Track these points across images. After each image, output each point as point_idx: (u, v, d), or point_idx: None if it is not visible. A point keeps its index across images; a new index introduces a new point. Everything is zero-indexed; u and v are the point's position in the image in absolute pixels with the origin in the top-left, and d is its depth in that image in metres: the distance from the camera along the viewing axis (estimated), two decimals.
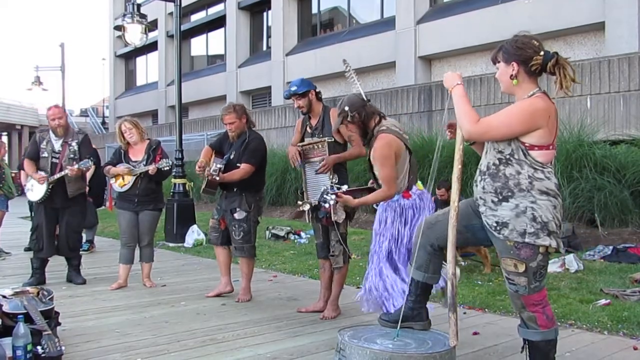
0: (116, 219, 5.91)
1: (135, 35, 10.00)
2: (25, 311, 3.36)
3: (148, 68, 27.62)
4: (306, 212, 4.44)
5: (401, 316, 3.03)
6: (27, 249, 8.00)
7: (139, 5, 10.25)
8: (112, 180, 5.66)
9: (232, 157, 4.93)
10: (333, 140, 4.34)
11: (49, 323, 3.43)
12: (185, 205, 9.35)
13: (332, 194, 3.51)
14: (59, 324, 3.77)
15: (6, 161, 9.56)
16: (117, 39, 25.95)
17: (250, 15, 21.17)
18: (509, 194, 2.63)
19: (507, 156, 2.64)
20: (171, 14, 18.74)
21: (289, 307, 4.80)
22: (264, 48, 20.90)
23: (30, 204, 7.73)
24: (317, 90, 4.52)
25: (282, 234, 8.98)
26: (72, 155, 5.66)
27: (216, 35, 23.36)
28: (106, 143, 21.18)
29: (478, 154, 2.94)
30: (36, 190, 5.67)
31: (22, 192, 8.99)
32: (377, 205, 3.78)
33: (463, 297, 4.91)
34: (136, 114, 20.63)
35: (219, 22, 22.42)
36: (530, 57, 2.61)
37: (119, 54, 28.56)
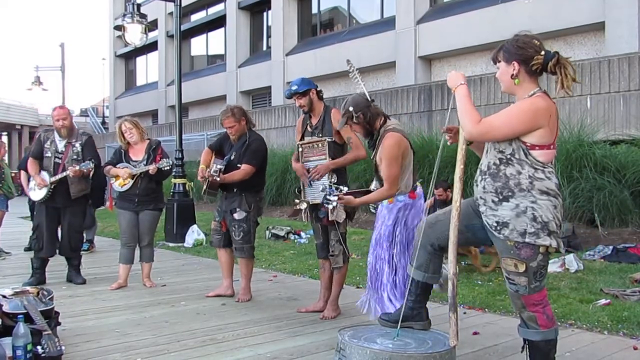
0: (116, 218, 5.91)
1: (135, 35, 10.00)
2: (25, 311, 3.36)
3: (148, 68, 27.63)
4: (303, 210, 4.44)
5: (401, 316, 3.03)
6: (27, 249, 8.01)
7: (139, 5, 10.25)
8: (112, 180, 5.67)
9: (232, 158, 4.93)
10: (333, 140, 4.34)
11: (49, 323, 3.43)
12: (185, 205, 9.35)
13: (334, 195, 3.51)
14: (59, 323, 3.77)
15: (6, 161, 9.56)
16: (117, 39, 25.96)
17: (250, 15, 21.17)
18: (510, 193, 2.63)
19: (508, 156, 2.64)
20: (171, 13, 18.76)
21: (289, 307, 4.80)
22: (264, 48, 20.90)
23: (30, 204, 7.77)
24: (318, 89, 4.52)
25: (282, 234, 8.98)
26: (75, 156, 5.67)
27: (216, 35, 23.36)
28: (106, 143, 21.18)
29: (477, 154, 2.94)
30: (38, 190, 5.69)
31: (22, 192, 9.03)
32: (374, 209, 3.78)
33: (463, 297, 4.91)
34: (136, 114, 20.65)
35: (219, 22, 22.42)
36: (531, 56, 2.61)
37: (119, 53, 28.57)
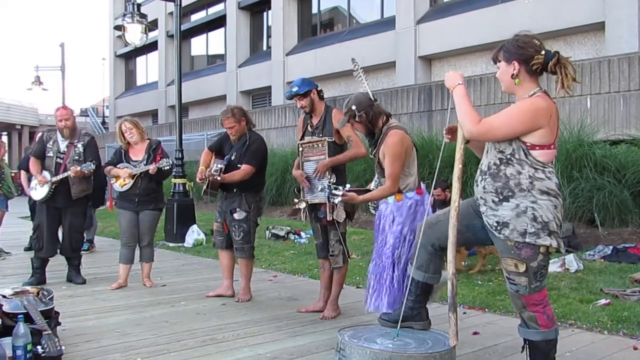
0: (116, 218, 5.91)
1: (135, 35, 10.00)
2: (25, 311, 3.36)
3: (148, 68, 27.62)
4: (302, 210, 4.44)
5: (401, 316, 3.03)
6: (27, 249, 8.01)
7: (139, 5, 10.24)
8: (113, 180, 5.67)
9: (233, 158, 4.94)
10: (333, 140, 4.34)
11: (49, 323, 3.43)
12: (185, 205, 9.35)
13: (339, 190, 3.52)
14: (59, 323, 3.77)
15: (6, 161, 9.57)
16: (117, 39, 25.96)
17: (250, 15, 21.17)
18: (510, 193, 2.63)
19: (508, 156, 2.64)
20: (171, 13, 18.76)
21: (289, 307, 4.80)
22: (264, 48, 20.90)
23: (30, 204, 7.76)
24: (318, 89, 4.52)
25: (282, 233, 8.98)
26: (76, 157, 5.68)
27: (216, 35, 23.36)
28: (106, 143, 21.18)
29: (477, 155, 2.94)
30: (39, 189, 5.70)
31: (22, 192, 9.03)
32: (374, 210, 3.77)
33: (463, 297, 4.91)
34: (136, 114, 20.65)
35: (219, 22, 22.42)
36: (531, 56, 2.61)
37: (119, 53, 28.56)
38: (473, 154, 2.96)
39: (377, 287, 3.47)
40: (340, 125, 3.83)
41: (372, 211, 3.88)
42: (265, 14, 20.61)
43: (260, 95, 20.36)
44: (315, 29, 19.08)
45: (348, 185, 3.65)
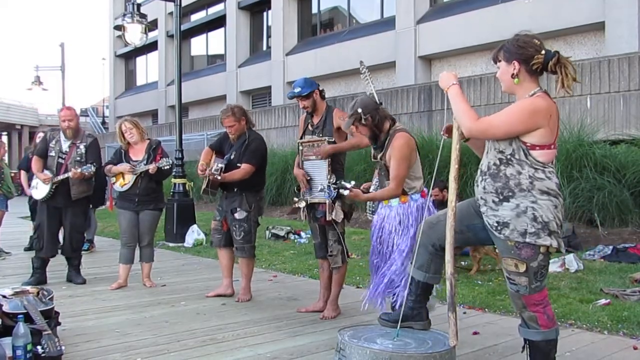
0: (116, 218, 5.91)
1: (135, 35, 10.00)
2: (25, 311, 3.36)
3: (148, 68, 27.62)
4: (301, 209, 4.45)
5: (401, 316, 3.03)
6: (27, 249, 8.01)
7: (139, 5, 10.24)
8: (113, 180, 5.68)
9: (232, 157, 4.94)
10: (333, 140, 4.34)
11: (49, 323, 3.43)
12: (185, 205, 9.35)
13: (349, 183, 3.56)
14: (59, 323, 3.77)
15: (6, 161, 9.57)
16: (117, 39, 25.96)
17: (250, 15, 21.17)
18: (510, 194, 2.63)
19: (508, 156, 2.64)
20: (171, 13, 18.75)
21: (289, 307, 4.80)
22: (264, 48, 20.90)
23: (30, 204, 7.76)
24: (320, 89, 4.52)
25: (282, 233, 8.99)
26: (78, 158, 5.69)
27: (216, 35, 23.36)
28: (106, 143, 21.16)
29: (477, 154, 2.94)
30: (40, 188, 5.71)
31: (21, 192, 9.03)
32: (372, 213, 3.77)
33: (463, 297, 4.91)
34: (136, 114, 20.64)
35: (219, 22, 22.42)
36: (531, 56, 2.61)
37: (119, 53, 28.56)
38: (472, 154, 2.97)
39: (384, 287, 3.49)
40: (345, 127, 3.83)
41: (370, 216, 3.87)
42: (265, 14, 20.61)
43: (260, 95, 20.36)
44: (315, 29, 19.08)
45: (353, 182, 3.68)
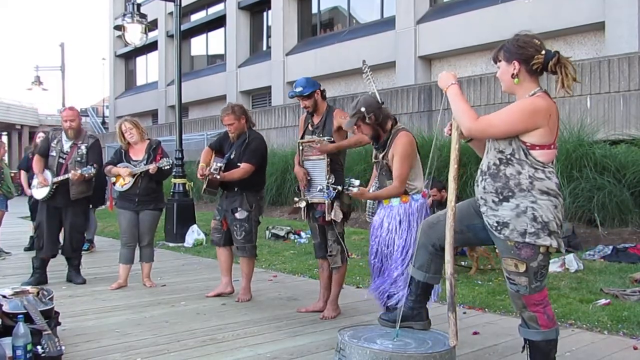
0: (116, 218, 5.91)
1: (135, 35, 10.00)
2: (25, 311, 3.36)
3: (148, 68, 27.62)
4: (302, 208, 4.45)
5: (401, 316, 3.03)
6: (27, 249, 8.02)
7: (139, 5, 10.24)
8: (113, 180, 5.68)
9: (232, 156, 4.94)
10: (332, 140, 4.34)
11: (49, 323, 3.43)
12: (185, 205, 9.35)
13: (357, 180, 3.60)
14: (59, 323, 3.77)
15: (6, 161, 9.57)
16: (117, 39, 25.96)
17: (250, 15, 21.17)
18: (510, 194, 2.63)
19: (508, 156, 2.64)
20: (171, 13, 18.75)
21: (289, 307, 4.80)
22: (264, 48, 20.90)
23: (30, 204, 7.76)
24: (321, 89, 4.52)
25: (282, 233, 8.99)
26: (79, 158, 5.69)
27: (216, 35, 23.36)
28: (106, 143, 21.14)
29: (478, 154, 2.94)
30: (40, 188, 5.72)
31: (21, 192, 9.03)
32: (371, 215, 3.77)
33: (463, 297, 4.91)
34: (136, 114, 20.65)
35: (219, 22, 22.41)
36: (531, 56, 2.61)
37: (119, 53, 28.56)
38: (472, 154, 2.97)
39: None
40: (346, 126, 3.84)
41: (369, 218, 3.88)
42: (265, 14, 20.61)
43: (260, 95, 20.36)
44: (315, 29, 19.08)
45: (358, 181, 3.69)
